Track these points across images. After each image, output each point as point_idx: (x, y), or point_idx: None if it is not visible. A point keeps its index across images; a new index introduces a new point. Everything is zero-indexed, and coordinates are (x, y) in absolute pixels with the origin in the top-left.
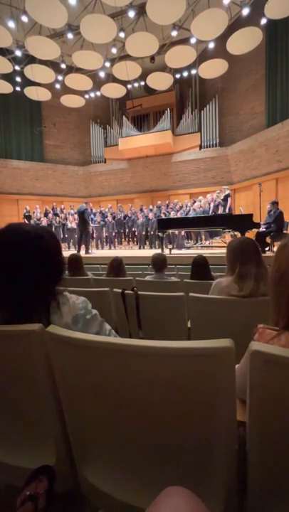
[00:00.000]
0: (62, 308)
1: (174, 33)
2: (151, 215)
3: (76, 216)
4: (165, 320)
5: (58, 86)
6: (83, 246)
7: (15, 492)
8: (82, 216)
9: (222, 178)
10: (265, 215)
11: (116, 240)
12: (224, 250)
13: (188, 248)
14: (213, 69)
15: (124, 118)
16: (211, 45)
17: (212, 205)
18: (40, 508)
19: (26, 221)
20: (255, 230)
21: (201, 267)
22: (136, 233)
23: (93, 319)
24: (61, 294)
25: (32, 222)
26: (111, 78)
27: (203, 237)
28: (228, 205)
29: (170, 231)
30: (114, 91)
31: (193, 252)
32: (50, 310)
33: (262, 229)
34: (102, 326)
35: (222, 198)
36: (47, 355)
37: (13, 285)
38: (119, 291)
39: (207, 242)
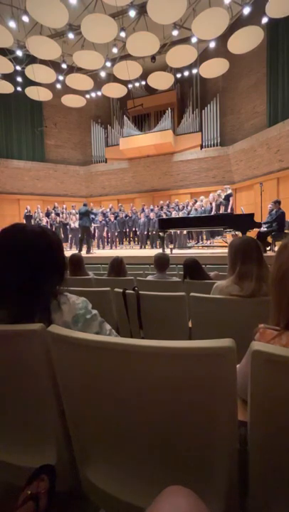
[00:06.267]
0: (62, 307)
1: (175, 33)
2: (152, 215)
3: (78, 216)
4: (166, 320)
5: (58, 86)
6: (85, 246)
7: (16, 491)
8: (86, 217)
9: (223, 178)
10: (266, 215)
11: (117, 239)
12: (225, 250)
13: (190, 248)
14: (214, 68)
15: (125, 118)
16: (212, 45)
17: (213, 204)
18: (42, 507)
19: (26, 221)
20: (256, 230)
21: (191, 269)
22: (137, 233)
23: (93, 319)
24: (62, 293)
25: (33, 222)
26: (112, 78)
27: (204, 236)
28: (230, 205)
29: (171, 231)
30: (115, 91)
31: (195, 251)
32: (50, 309)
33: (263, 228)
34: (102, 326)
35: (223, 197)
36: (48, 355)
37: (14, 286)
38: (120, 290)
39: (208, 242)
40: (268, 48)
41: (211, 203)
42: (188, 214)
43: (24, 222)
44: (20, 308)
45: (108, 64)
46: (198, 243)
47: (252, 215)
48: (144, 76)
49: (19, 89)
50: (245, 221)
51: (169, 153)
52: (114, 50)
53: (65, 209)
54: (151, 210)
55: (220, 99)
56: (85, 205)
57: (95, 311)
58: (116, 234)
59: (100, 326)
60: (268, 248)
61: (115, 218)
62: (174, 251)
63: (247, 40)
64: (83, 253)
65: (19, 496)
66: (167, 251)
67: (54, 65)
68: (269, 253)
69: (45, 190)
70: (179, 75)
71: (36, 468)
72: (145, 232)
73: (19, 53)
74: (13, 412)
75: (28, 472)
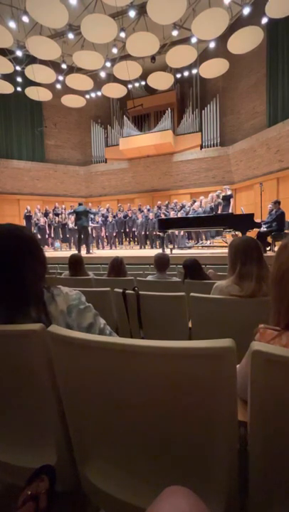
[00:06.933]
0: (56, 298)
1: (175, 33)
2: (151, 215)
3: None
4: (166, 320)
5: (58, 86)
6: (84, 246)
7: (16, 491)
8: (84, 216)
9: (223, 178)
10: (266, 215)
11: (117, 239)
12: (225, 250)
13: (190, 248)
14: (214, 68)
15: (124, 118)
16: (212, 45)
17: (212, 205)
18: (42, 507)
19: (25, 221)
20: (256, 230)
21: (192, 270)
22: (136, 233)
23: (87, 310)
24: (54, 286)
25: (32, 222)
26: (112, 78)
27: (204, 236)
28: (230, 207)
29: (170, 231)
30: (114, 91)
31: (195, 251)
32: (45, 301)
33: (263, 228)
34: (96, 318)
35: (221, 198)
36: (48, 355)
37: (5, 284)
38: (120, 291)
39: (208, 242)
40: (267, 48)
41: (210, 203)
42: (187, 214)
43: (24, 222)
44: (14, 306)
45: (108, 64)
46: (198, 243)
47: (252, 215)
48: (144, 76)
49: (19, 89)
50: (245, 221)
51: (168, 153)
52: (114, 51)
53: (64, 209)
54: (148, 210)
55: (220, 100)
56: (80, 204)
57: (89, 304)
58: (114, 234)
59: (94, 317)
60: (268, 248)
61: (114, 218)
62: (174, 251)
63: (247, 41)
64: (83, 253)
65: (19, 496)
66: (167, 251)
67: (54, 65)
68: (269, 253)
69: (45, 190)
70: (178, 75)
71: (36, 469)
72: (143, 233)
73: (19, 53)
74: (13, 412)
75: (28, 472)
